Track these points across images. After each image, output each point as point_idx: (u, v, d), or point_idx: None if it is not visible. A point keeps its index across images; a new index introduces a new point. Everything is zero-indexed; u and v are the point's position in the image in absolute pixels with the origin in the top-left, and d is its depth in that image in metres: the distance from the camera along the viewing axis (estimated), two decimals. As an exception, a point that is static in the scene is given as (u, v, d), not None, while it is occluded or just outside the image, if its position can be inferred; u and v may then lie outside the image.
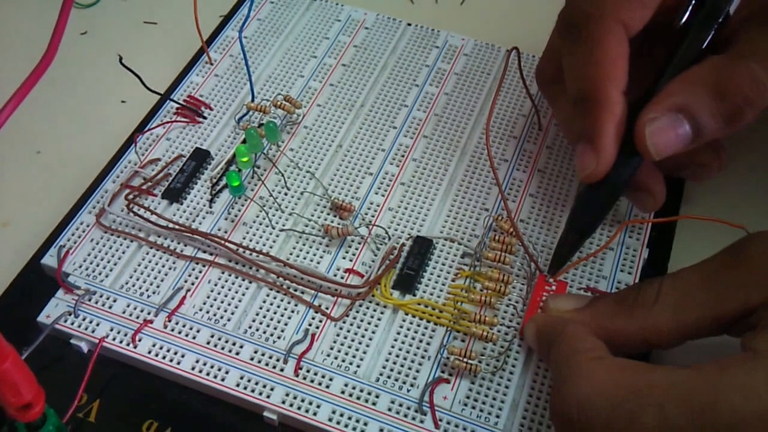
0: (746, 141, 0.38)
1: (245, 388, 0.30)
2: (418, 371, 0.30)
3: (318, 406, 0.29)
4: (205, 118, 0.39)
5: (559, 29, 0.33)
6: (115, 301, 0.32)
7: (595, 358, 0.25)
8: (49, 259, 0.33)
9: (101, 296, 0.32)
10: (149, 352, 0.31)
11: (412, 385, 0.30)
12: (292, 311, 0.32)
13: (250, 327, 0.31)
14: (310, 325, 0.32)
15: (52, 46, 0.19)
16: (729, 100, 0.28)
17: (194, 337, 0.31)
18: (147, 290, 0.32)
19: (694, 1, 0.31)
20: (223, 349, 0.31)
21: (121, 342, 0.31)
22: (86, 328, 0.31)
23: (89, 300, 0.32)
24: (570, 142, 0.36)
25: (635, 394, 0.23)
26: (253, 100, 0.39)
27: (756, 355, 0.23)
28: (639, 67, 0.31)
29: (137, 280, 0.33)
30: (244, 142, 0.36)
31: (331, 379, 0.30)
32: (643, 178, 0.33)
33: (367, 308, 0.32)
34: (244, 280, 0.33)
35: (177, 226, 0.34)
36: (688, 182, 0.37)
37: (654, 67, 0.31)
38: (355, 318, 0.32)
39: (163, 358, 0.31)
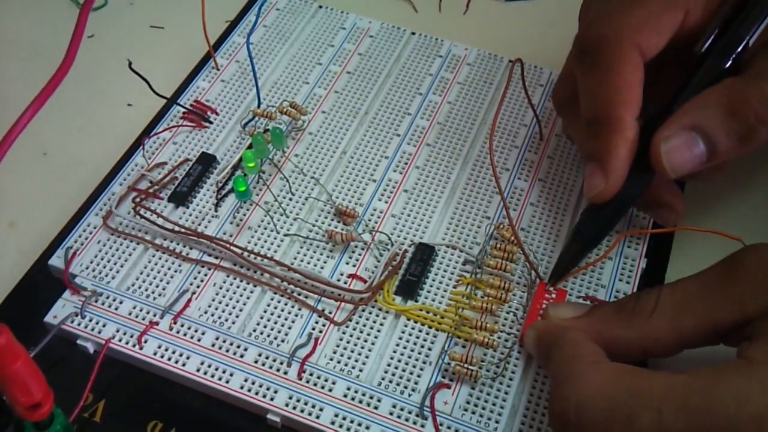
0: (752, 157, 0.39)
1: (249, 390, 0.30)
2: (419, 376, 0.31)
3: (321, 410, 0.30)
4: (211, 122, 0.39)
5: (575, 52, 0.33)
6: (121, 302, 0.33)
7: (595, 362, 0.26)
8: (57, 261, 0.34)
9: (108, 298, 0.33)
10: (155, 354, 0.31)
11: (413, 390, 0.31)
12: (296, 315, 0.32)
13: (254, 330, 0.32)
14: (313, 329, 0.32)
15: (69, 55, 0.19)
16: (742, 119, 0.29)
17: (199, 340, 0.32)
18: (153, 292, 0.33)
19: (717, 30, 0.31)
20: (227, 351, 0.31)
21: (127, 343, 0.31)
22: (93, 329, 0.32)
23: (96, 301, 0.32)
24: (585, 163, 0.37)
25: (633, 397, 0.24)
26: (259, 106, 0.39)
27: (751, 363, 0.24)
28: (652, 89, 0.31)
29: (143, 282, 0.33)
30: (250, 147, 0.36)
31: (333, 383, 0.31)
32: (662, 194, 0.34)
33: (370, 313, 0.33)
34: (248, 283, 0.33)
35: (183, 230, 0.34)
36: (687, 194, 0.38)
37: (668, 90, 0.32)
38: (357, 323, 0.32)
39: (169, 359, 0.31)
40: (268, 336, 0.32)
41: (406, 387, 0.31)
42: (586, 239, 0.33)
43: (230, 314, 0.32)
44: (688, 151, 0.29)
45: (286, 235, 0.35)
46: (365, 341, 0.32)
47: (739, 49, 0.31)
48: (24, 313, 0.33)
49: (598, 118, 0.31)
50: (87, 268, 0.34)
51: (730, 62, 0.31)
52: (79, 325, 0.32)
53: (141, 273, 0.33)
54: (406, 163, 0.38)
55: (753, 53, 0.30)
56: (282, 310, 0.33)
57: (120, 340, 0.31)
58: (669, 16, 0.31)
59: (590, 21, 0.33)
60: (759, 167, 0.40)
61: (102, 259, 0.34)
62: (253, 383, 0.30)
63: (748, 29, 0.30)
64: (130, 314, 0.32)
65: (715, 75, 0.31)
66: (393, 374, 0.31)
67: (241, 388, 0.30)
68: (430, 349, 0.32)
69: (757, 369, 0.23)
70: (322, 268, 0.34)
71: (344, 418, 0.30)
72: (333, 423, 0.30)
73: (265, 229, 0.35)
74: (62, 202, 0.37)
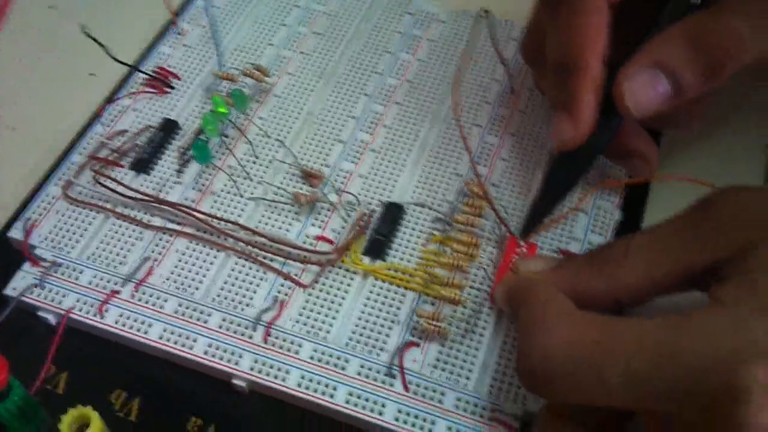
0: (722, 103, 0.38)
1: (213, 356, 0.30)
2: (388, 336, 0.30)
3: (287, 372, 0.29)
4: (173, 88, 0.38)
5: None
6: (81, 272, 0.32)
7: (563, 314, 0.25)
8: (16, 232, 0.33)
9: (68, 268, 0.32)
10: (116, 323, 0.30)
11: (381, 350, 0.30)
12: (261, 279, 0.32)
13: (218, 295, 0.31)
14: (279, 292, 0.31)
15: None
16: (707, 54, 0.28)
17: (162, 307, 0.31)
18: (114, 261, 0.32)
19: None
20: (191, 318, 0.31)
21: (87, 313, 0.31)
22: (53, 300, 0.31)
23: (56, 272, 0.32)
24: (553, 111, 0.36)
25: (600, 345, 0.23)
26: (221, 69, 0.38)
27: (719, 303, 0.23)
28: (622, 32, 0.30)
29: (104, 251, 0.32)
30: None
31: (300, 346, 0.30)
32: (634, 143, 0.33)
33: (337, 275, 0.32)
34: (212, 249, 0.32)
35: (144, 197, 0.33)
36: (664, 146, 0.37)
37: (636, 34, 0.31)
38: (324, 284, 0.32)
39: (131, 328, 0.30)
40: (233, 301, 0.31)
41: (374, 347, 0.30)
42: (555, 189, 0.32)
43: (194, 280, 0.32)
44: (651, 89, 0.29)
45: (249, 198, 0.34)
46: (332, 303, 0.31)
47: None
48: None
49: (563, 64, 0.30)
50: (46, 239, 0.33)
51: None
52: (39, 296, 0.31)
53: (102, 242, 0.33)
54: (374, 123, 0.37)
55: None
56: (247, 275, 0.32)
57: (81, 311, 0.31)
58: None
59: None
60: (737, 116, 0.39)
61: (62, 229, 0.33)
62: (218, 348, 0.30)
63: None
64: (90, 284, 0.31)
65: (680, 11, 0.30)
66: (361, 335, 0.30)
67: (206, 353, 0.30)
68: (398, 309, 0.31)
69: (726, 309, 0.22)
70: (288, 231, 0.33)
71: (311, 380, 0.29)
72: (300, 385, 0.29)
73: (229, 193, 0.34)
74: (24, 174, 0.36)
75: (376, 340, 0.30)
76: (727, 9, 0.29)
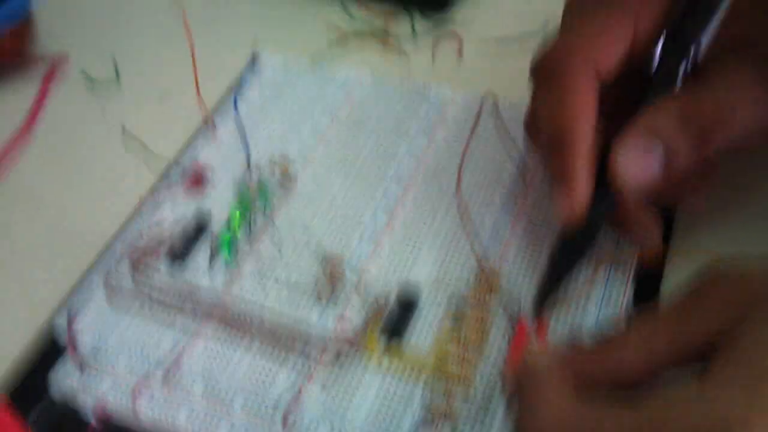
0: (740, 172, 0.38)
1: (236, 439, 0.31)
2: (402, 418, 0.31)
3: (305, 455, 0.30)
4: (207, 182, 0.41)
5: (531, 77, 0.34)
6: (118, 358, 0.34)
7: (555, 398, 0.26)
8: (59, 324, 0.35)
9: (106, 355, 0.34)
10: (148, 408, 0.32)
11: None
12: (281, 364, 0.33)
13: (242, 380, 0.33)
14: (299, 375, 0.33)
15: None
16: (696, 124, 0.29)
17: (189, 392, 0.33)
18: (148, 347, 0.34)
19: (662, 41, 0.32)
20: (215, 402, 0.32)
21: (121, 399, 0.33)
22: (90, 387, 0.33)
23: (94, 359, 0.34)
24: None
25: (589, 428, 0.23)
26: (249, 163, 0.41)
27: (704, 379, 0.23)
28: (614, 107, 0.32)
29: (139, 338, 0.35)
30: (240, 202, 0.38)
31: (316, 429, 0.31)
32: (633, 215, 0.34)
33: (355, 357, 0.33)
34: (237, 334, 0.34)
35: (177, 286, 0.36)
36: (678, 219, 0.37)
37: (629, 106, 0.32)
38: (342, 367, 0.33)
39: (160, 412, 0.32)
40: (255, 384, 0.33)
41: (388, 430, 0.31)
42: (562, 263, 0.33)
43: (219, 365, 0.33)
44: (645, 160, 0.30)
45: (275, 284, 0.36)
46: (350, 384, 0.32)
47: (689, 57, 0.31)
48: (29, 376, 0.34)
49: (554, 137, 0.31)
50: (87, 328, 0.35)
51: (683, 71, 0.31)
52: (78, 383, 0.33)
53: (137, 329, 0.35)
54: (393, 206, 0.39)
55: (705, 66, 0.30)
56: (268, 360, 0.33)
57: (115, 396, 0.33)
58: (618, 27, 0.31)
59: (543, 45, 0.33)
60: (754, 186, 0.39)
61: (101, 318, 0.35)
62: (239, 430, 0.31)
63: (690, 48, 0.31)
64: (125, 368, 0.34)
65: (668, 86, 0.31)
66: (376, 416, 0.31)
67: (228, 437, 0.31)
68: (413, 390, 0.32)
69: (706, 383, 0.23)
70: (309, 314, 0.35)
71: (327, 464, 0.30)
72: (316, 468, 0.30)
73: (256, 281, 0.36)
74: (70, 270, 0.39)
75: (390, 422, 0.31)
76: (716, 81, 0.30)
